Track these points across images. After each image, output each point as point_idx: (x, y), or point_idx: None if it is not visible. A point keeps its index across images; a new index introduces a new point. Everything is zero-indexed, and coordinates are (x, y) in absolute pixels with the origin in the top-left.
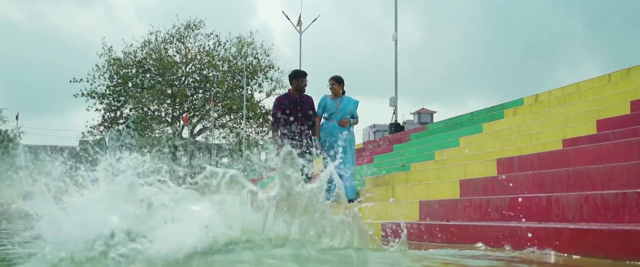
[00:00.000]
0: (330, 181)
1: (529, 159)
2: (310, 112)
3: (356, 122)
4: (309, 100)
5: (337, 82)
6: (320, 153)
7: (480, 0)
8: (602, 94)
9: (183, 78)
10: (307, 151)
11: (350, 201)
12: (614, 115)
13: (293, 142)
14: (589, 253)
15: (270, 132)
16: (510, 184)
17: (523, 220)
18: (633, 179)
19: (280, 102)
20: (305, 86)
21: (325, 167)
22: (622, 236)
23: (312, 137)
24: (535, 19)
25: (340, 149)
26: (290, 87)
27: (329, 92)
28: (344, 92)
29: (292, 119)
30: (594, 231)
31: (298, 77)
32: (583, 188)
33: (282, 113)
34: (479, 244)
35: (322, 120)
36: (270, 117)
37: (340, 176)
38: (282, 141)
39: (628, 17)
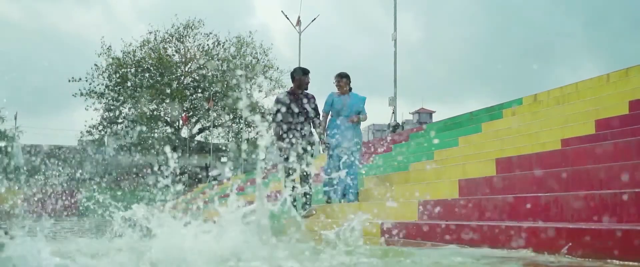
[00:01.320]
0: (341, 182)
1: (528, 159)
2: (313, 110)
3: (365, 119)
4: (311, 98)
5: (343, 79)
6: (325, 150)
7: (479, 0)
8: (600, 94)
9: (182, 78)
10: (306, 150)
11: (352, 202)
12: (613, 115)
13: (293, 140)
14: (588, 253)
15: (272, 129)
16: (509, 184)
17: (521, 220)
18: (631, 179)
19: (280, 100)
20: (307, 84)
21: (331, 166)
22: (621, 236)
23: (316, 136)
24: (535, 19)
25: (352, 149)
26: (292, 84)
27: (329, 91)
28: (350, 89)
29: (293, 116)
30: (592, 231)
31: (300, 74)
32: (582, 188)
33: (283, 110)
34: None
35: (329, 118)
36: (268, 117)
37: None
38: (281, 137)
39: (627, 17)
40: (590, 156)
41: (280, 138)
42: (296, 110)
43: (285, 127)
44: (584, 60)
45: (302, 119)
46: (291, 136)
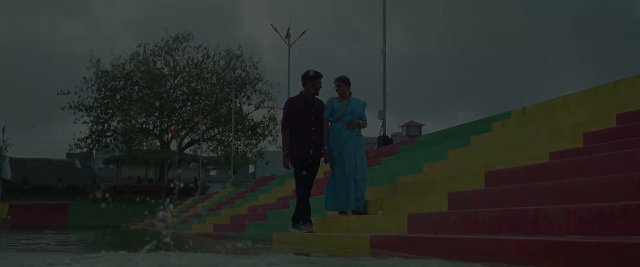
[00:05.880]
0: (349, 190)
1: (517, 172)
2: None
3: (365, 125)
4: (322, 104)
5: (343, 83)
6: (328, 159)
7: (468, 13)
8: (588, 107)
9: (171, 91)
10: (317, 158)
11: (359, 213)
12: (601, 128)
13: (303, 148)
14: (576, 266)
15: (281, 135)
16: (498, 197)
17: (510, 233)
18: (619, 192)
19: (292, 104)
20: (319, 88)
21: (334, 174)
22: (609, 249)
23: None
24: (523, 31)
25: (356, 155)
26: (302, 89)
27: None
28: (350, 94)
29: (303, 123)
30: (581, 244)
31: (313, 78)
32: (570, 201)
33: (294, 116)
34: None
35: (330, 124)
36: (258, 130)
37: (349, 185)
38: (291, 146)
39: (615, 31)
40: (578, 169)
41: (290, 148)
42: (305, 117)
43: (295, 134)
44: (572, 73)
45: (313, 127)
46: (300, 144)
